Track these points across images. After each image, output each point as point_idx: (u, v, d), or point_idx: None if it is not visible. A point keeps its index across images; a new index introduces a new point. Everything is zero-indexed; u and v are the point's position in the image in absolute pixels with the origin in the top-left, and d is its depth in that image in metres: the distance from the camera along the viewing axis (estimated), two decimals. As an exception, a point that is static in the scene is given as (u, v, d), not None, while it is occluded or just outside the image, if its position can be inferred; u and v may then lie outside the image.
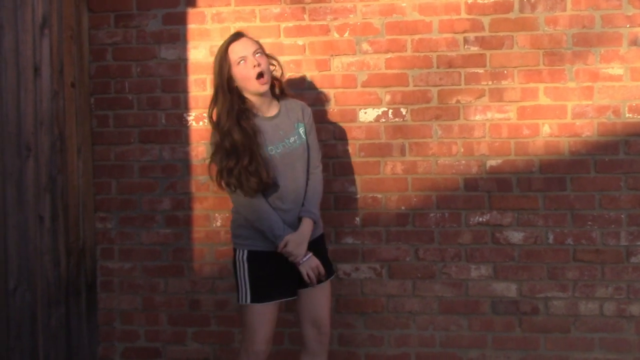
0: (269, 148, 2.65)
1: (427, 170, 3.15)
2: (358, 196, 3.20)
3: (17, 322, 2.77)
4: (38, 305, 2.91)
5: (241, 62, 2.62)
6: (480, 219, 3.13)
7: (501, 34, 3.10)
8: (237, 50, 2.63)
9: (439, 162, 3.15)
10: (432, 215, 3.16)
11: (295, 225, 2.66)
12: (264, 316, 2.66)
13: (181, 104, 3.31)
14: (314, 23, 3.20)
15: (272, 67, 2.72)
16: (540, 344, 3.12)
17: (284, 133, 2.69)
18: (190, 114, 3.29)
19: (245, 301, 2.66)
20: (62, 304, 3.10)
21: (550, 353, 3.12)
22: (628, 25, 3.03)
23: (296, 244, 2.62)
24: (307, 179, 2.73)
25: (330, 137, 3.20)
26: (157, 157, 3.33)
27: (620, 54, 3.04)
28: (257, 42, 2.71)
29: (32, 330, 2.87)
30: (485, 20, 3.10)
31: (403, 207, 3.18)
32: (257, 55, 2.64)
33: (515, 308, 3.13)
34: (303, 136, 2.73)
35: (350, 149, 3.20)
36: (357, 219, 3.21)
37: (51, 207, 3.01)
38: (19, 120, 2.79)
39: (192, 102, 3.29)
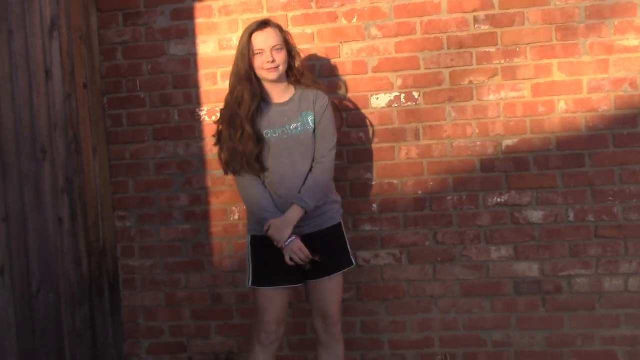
0: (266, 131, 2.69)
1: (442, 153, 3.13)
2: (374, 183, 3.19)
3: (42, 323, 2.81)
4: (62, 306, 2.95)
5: (258, 53, 2.66)
6: (499, 200, 3.10)
7: (512, 11, 3.05)
8: (258, 42, 2.66)
9: (454, 144, 3.12)
10: (449, 198, 3.13)
11: None
12: (270, 299, 2.70)
13: (193, 100, 3.31)
14: (321, 10, 3.18)
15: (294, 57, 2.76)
16: (565, 322, 3.09)
17: (287, 119, 2.70)
18: (202, 109, 3.30)
19: (249, 284, 2.75)
20: (86, 304, 3.14)
21: (575, 331, 3.09)
22: (642, -5, 2.97)
23: (278, 228, 2.63)
24: (311, 167, 2.72)
25: (344, 125, 3.18)
26: (172, 153, 3.34)
27: (635, 25, 2.97)
28: (281, 34, 2.71)
29: (57, 331, 2.91)
30: (495, -2, 3.05)
31: (420, 192, 3.15)
32: (275, 50, 2.66)
33: (538, 288, 3.10)
34: (310, 125, 2.71)
35: (364, 136, 3.18)
36: (374, 205, 3.19)
37: (70, 208, 3.04)
38: (33, 124, 2.81)
39: (203, 97, 3.29)
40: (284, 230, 2.63)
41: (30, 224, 2.76)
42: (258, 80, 2.70)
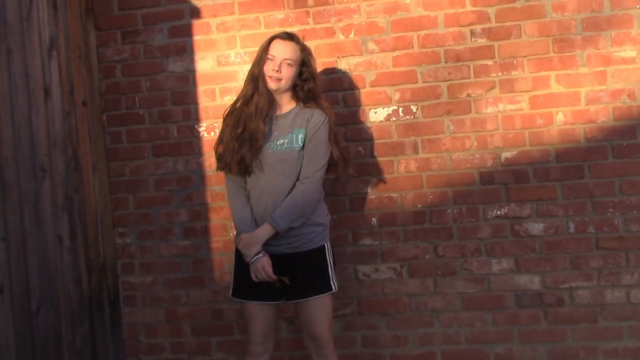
0: None
1: (441, 166, 3.13)
2: (373, 197, 3.19)
3: (42, 342, 2.80)
4: (62, 324, 2.94)
5: (270, 59, 2.68)
6: (499, 212, 3.09)
7: (508, 23, 3.06)
8: (274, 48, 2.69)
9: (453, 157, 3.12)
10: (449, 211, 3.13)
11: None
12: (253, 313, 2.72)
13: (192, 116, 3.32)
14: (318, 26, 3.19)
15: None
16: (567, 335, 3.07)
17: (277, 134, 2.70)
18: (201, 125, 3.31)
19: (230, 293, 2.82)
20: (86, 322, 3.13)
21: (578, 344, 3.07)
22: (638, 6, 2.97)
23: (246, 244, 2.65)
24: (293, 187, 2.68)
25: (342, 139, 3.18)
26: (171, 169, 3.35)
27: (631, 36, 2.98)
28: (300, 54, 2.71)
29: (57, 349, 2.90)
30: (491, 11, 3.06)
31: (419, 205, 3.15)
32: (285, 64, 2.67)
33: (539, 300, 3.08)
34: (299, 142, 2.68)
35: (363, 150, 3.18)
36: (374, 219, 3.19)
37: (69, 226, 3.05)
38: (32, 142, 2.82)
39: (202, 113, 3.30)
40: (251, 247, 2.63)
41: (29, 243, 2.77)
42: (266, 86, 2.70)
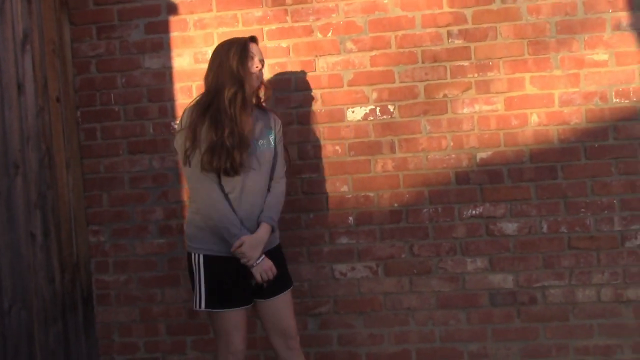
0: None
1: (417, 166, 3.15)
2: (350, 195, 3.20)
3: (14, 341, 2.76)
4: (34, 323, 2.90)
5: (251, 58, 2.69)
6: (474, 212, 3.13)
7: (484, 25, 3.09)
8: (254, 50, 2.71)
9: (429, 157, 3.14)
10: (425, 210, 3.15)
11: (252, 230, 2.65)
12: (235, 322, 2.66)
13: (168, 113, 3.29)
14: (296, 24, 3.19)
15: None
16: (539, 333, 3.12)
17: (258, 134, 2.70)
18: (177, 122, 3.27)
19: (200, 307, 2.66)
20: (59, 320, 3.09)
21: (550, 341, 3.12)
22: (610, 10, 3.03)
23: (251, 246, 2.61)
24: (270, 188, 2.73)
25: (319, 138, 3.19)
26: (147, 167, 3.32)
27: (604, 40, 3.04)
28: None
29: (29, 349, 2.85)
30: (468, 13, 3.10)
31: (396, 204, 3.17)
32: (262, 63, 2.74)
33: (513, 299, 3.13)
34: (272, 143, 2.74)
35: (340, 149, 3.19)
36: (351, 218, 3.20)
37: (42, 224, 3.00)
38: (4, 138, 2.77)
39: (179, 110, 3.27)
40: (257, 248, 2.62)
41: (1, 240, 2.72)
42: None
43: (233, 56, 2.66)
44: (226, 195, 2.63)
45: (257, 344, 3.25)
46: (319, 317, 3.24)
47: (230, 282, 2.65)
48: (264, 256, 2.64)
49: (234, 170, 2.60)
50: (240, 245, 2.60)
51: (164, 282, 3.32)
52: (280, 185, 2.76)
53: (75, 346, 3.20)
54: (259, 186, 2.68)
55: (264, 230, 2.65)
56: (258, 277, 2.63)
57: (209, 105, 2.64)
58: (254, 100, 2.76)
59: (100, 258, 3.36)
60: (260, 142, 2.71)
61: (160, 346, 3.34)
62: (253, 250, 2.61)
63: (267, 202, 2.69)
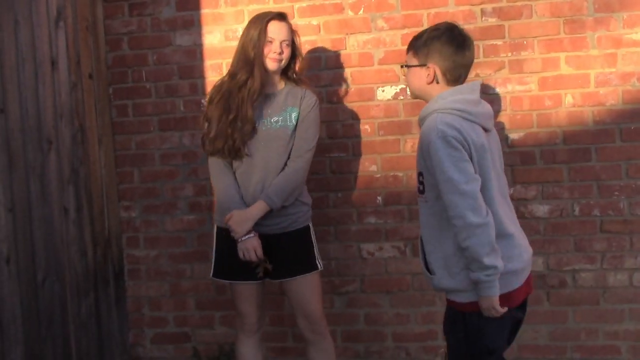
0: None
1: (448, 146, 3.11)
2: (379, 175, 3.18)
3: (48, 312, 2.83)
4: (67, 296, 2.97)
5: (269, 41, 2.62)
6: (504, 194, 3.08)
7: (519, 3, 3.03)
8: (272, 30, 2.62)
9: (459, 137, 3.10)
10: (454, 191, 3.12)
11: None
12: (238, 293, 2.72)
13: (198, 90, 3.31)
14: (327, 2, 3.16)
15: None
16: (569, 317, 3.09)
17: (271, 112, 2.66)
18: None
19: (210, 274, 2.77)
20: (91, 293, 3.16)
21: (579, 326, 3.09)
22: (651, -12, 2.94)
23: (237, 221, 2.60)
24: (285, 164, 2.65)
25: (349, 117, 3.18)
26: (177, 144, 3.34)
27: (643, 18, 2.95)
28: (292, 31, 2.69)
29: (62, 320, 2.92)
30: (503, -10, 3.03)
31: (425, 185, 3.14)
32: (284, 44, 2.65)
33: (542, 282, 3.09)
34: (292, 121, 2.66)
35: (369, 128, 3.17)
36: (379, 198, 3.19)
37: (75, 199, 3.05)
38: (38, 114, 2.82)
39: (209, 88, 3.27)
40: (244, 224, 2.60)
41: (35, 214, 2.78)
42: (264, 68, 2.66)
43: (250, 40, 2.62)
44: (234, 172, 2.66)
45: (285, 320, 3.28)
46: (345, 295, 3.25)
47: (235, 254, 2.64)
48: (252, 234, 2.60)
49: (234, 155, 2.63)
50: (229, 218, 2.61)
51: (193, 258, 3.37)
52: (295, 164, 2.64)
53: (106, 319, 3.27)
54: (266, 164, 2.63)
55: (256, 208, 2.61)
56: (240, 254, 2.61)
57: (224, 89, 2.66)
58: (284, 77, 2.72)
59: (131, 233, 3.41)
60: (274, 119, 2.66)
61: (189, 321, 3.40)
62: (239, 225, 2.59)
63: (275, 182, 2.62)
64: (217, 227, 2.76)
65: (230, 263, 2.69)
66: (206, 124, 2.69)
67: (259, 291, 2.75)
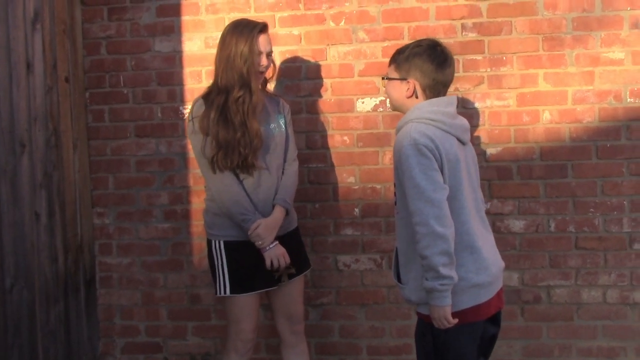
0: None
1: (426, 159, 3.11)
2: (357, 187, 3.17)
3: (15, 320, 2.76)
4: (36, 303, 2.90)
5: (260, 54, 2.62)
6: (481, 208, 3.09)
7: (499, 19, 3.05)
8: (263, 43, 2.62)
9: (438, 151, 3.11)
10: (432, 204, 3.12)
11: (267, 214, 2.63)
12: (247, 308, 2.67)
13: (177, 97, 3.28)
14: (309, 12, 3.16)
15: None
16: (542, 332, 3.10)
17: (266, 120, 2.69)
18: (186, 107, 3.26)
19: (225, 292, 2.65)
20: (61, 301, 3.09)
21: (553, 342, 3.09)
22: (629, 8, 2.98)
23: (268, 228, 2.59)
24: (283, 169, 2.72)
25: (328, 128, 3.17)
26: (153, 151, 3.30)
27: (621, 38, 2.99)
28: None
29: (30, 327, 2.85)
30: (483, 6, 3.05)
31: (402, 197, 3.14)
32: (268, 56, 2.65)
33: (517, 297, 3.10)
34: (282, 127, 2.74)
35: (348, 139, 3.16)
36: (357, 210, 3.18)
37: (47, 204, 2.99)
38: (12, 117, 2.76)
39: (187, 95, 3.26)
40: (273, 231, 2.61)
41: (5, 219, 2.72)
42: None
43: (241, 55, 2.57)
44: (241, 182, 2.62)
45: (260, 331, 3.23)
46: (321, 307, 3.22)
47: (252, 265, 2.63)
48: (276, 242, 2.62)
49: (247, 169, 2.61)
50: (257, 228, 2.58)
51: (167, 267, 3.32)
52: (293, 167, 2.75)
53: (76, 327, 3.20)
54: (272, 167, 2.67)
55: (278, 213, 2.64)
56: (268, 263, 2.60)
57: (219, 101, 2.60)
58: (259, 87, 2.70)
59: (104, 240, 3.36)
60: (272, 125, 2.70)
61: (161, 331, 3.34)
62: (269, 232, 2.60)
63: (281, 184, 2.69)
64: (225, 242, 2.66)
65: (248, 275, 2.65)
66: (203, 137, 2.60)
67: (259, 302, 2.74)
